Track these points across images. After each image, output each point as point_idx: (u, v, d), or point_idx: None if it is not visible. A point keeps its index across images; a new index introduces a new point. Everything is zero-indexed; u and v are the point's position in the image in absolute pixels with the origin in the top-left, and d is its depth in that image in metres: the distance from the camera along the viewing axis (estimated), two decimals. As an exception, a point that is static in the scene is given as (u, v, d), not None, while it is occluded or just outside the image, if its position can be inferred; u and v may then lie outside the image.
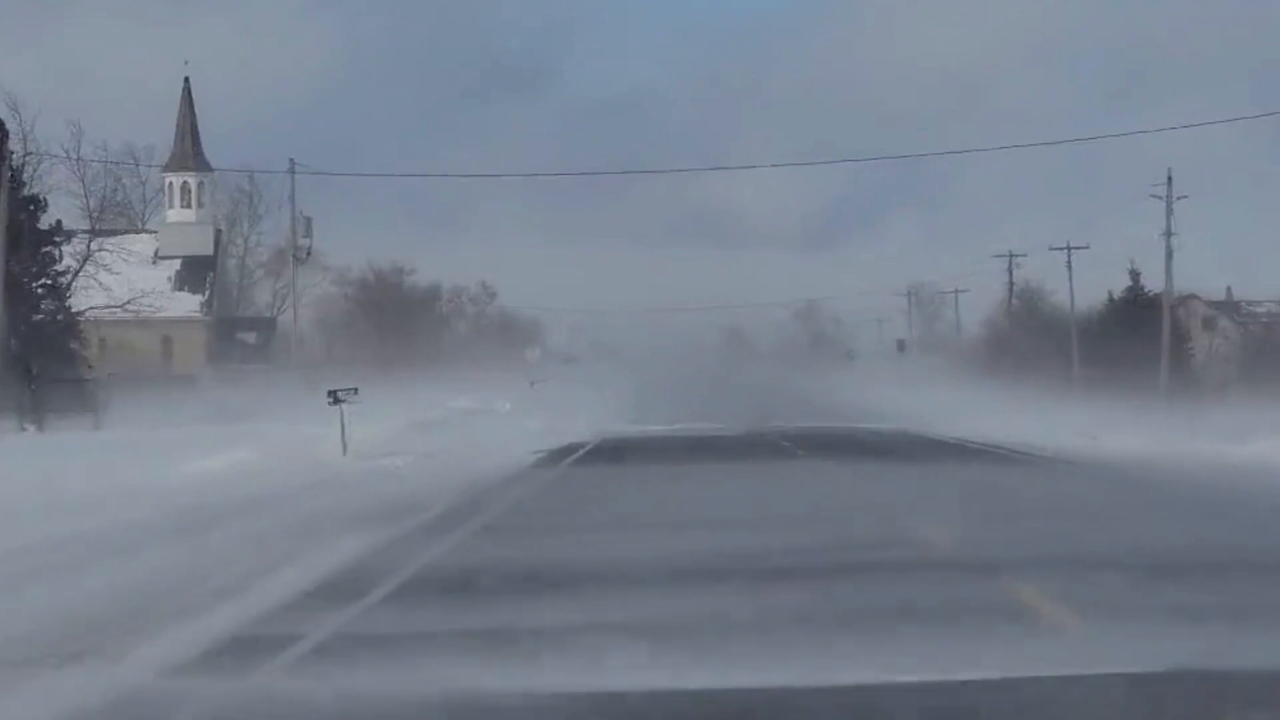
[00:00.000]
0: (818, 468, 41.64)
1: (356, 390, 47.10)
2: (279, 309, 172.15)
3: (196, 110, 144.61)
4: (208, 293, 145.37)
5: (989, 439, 55.82)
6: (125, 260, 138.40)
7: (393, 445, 50.08)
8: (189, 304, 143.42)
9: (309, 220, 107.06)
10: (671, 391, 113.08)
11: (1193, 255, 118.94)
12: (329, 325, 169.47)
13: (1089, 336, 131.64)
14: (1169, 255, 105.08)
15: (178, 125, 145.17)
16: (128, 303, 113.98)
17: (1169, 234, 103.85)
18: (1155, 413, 79.90)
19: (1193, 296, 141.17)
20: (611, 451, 51.24)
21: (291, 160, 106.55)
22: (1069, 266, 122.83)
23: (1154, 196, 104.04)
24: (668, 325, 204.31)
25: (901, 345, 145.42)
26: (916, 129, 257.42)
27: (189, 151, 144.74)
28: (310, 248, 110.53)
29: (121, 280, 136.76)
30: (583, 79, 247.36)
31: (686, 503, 31.46)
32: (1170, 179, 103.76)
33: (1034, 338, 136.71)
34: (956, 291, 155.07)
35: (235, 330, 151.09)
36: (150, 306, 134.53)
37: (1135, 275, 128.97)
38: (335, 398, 46.30)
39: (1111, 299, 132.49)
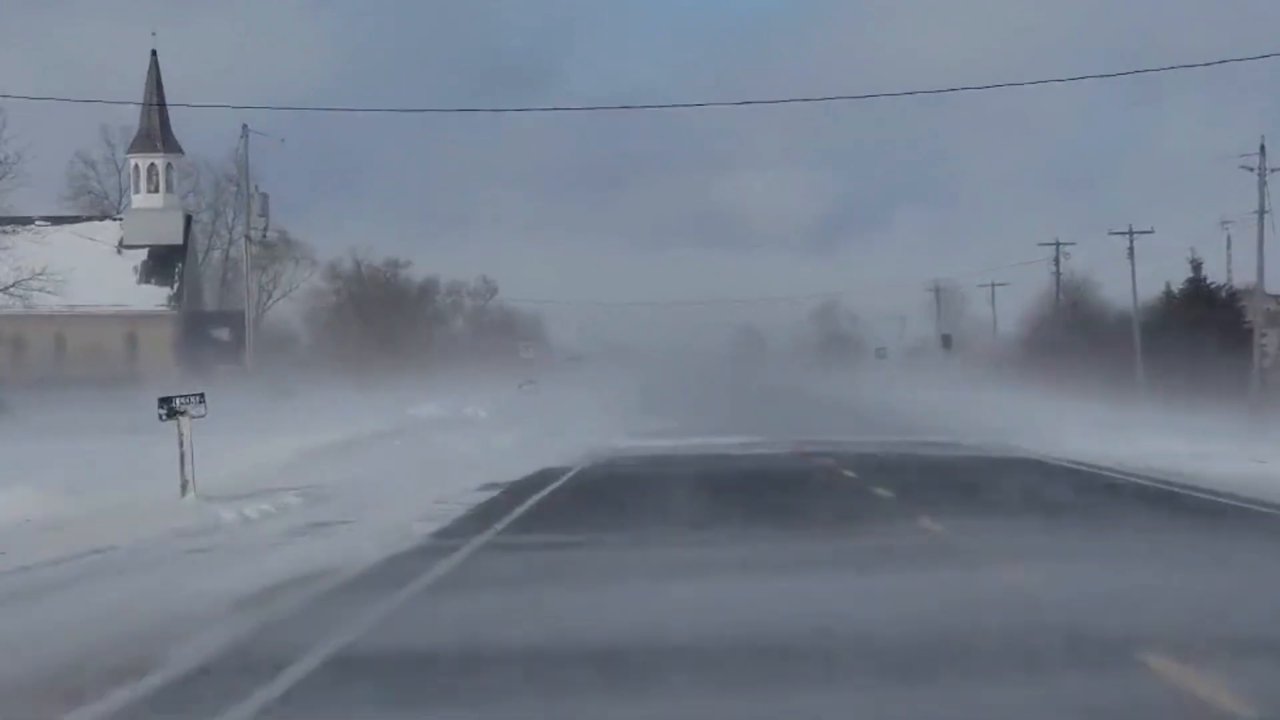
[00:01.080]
0: (967, 553, 21.28)
1: (202, 398, 30.01)
2: (265, 304, 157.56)
3: (165, 87, 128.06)
4: (176, 285, 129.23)
5: (1129, 465, 38.88)
6: (87, 250, 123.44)
7: (277, 479, 33.69)
8: (155, 297, 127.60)
9: (265, 197, 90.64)
10: (685, 394, 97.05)
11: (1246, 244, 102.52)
12: (318, 321, 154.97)
13: (1144, 334, 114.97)
14: (1260, 239, 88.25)
15: (144, 103, 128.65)
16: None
17: (1261, 211, 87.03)
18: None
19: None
20: (592, 494, 33.88)
21: (244, 126, 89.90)
22: (1131, 253, 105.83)
23: (1244, 168, 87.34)
24: (681, 324, 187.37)
25: (947, 341, 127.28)
26: (924, 122, 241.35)
27: (156, 131, 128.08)
28: (267, 226, 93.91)
29: (82, 272, 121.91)
30: (587, 78, 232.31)
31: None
32: (1263, 149, 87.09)
33: (1083, 335, 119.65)
34: (993, 285, 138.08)
35: (207, 326, 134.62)
36: (93, 303, 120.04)
37: (1196, 266, 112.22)
38: (170, 409, 29.31)
39: (1170, 292, 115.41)
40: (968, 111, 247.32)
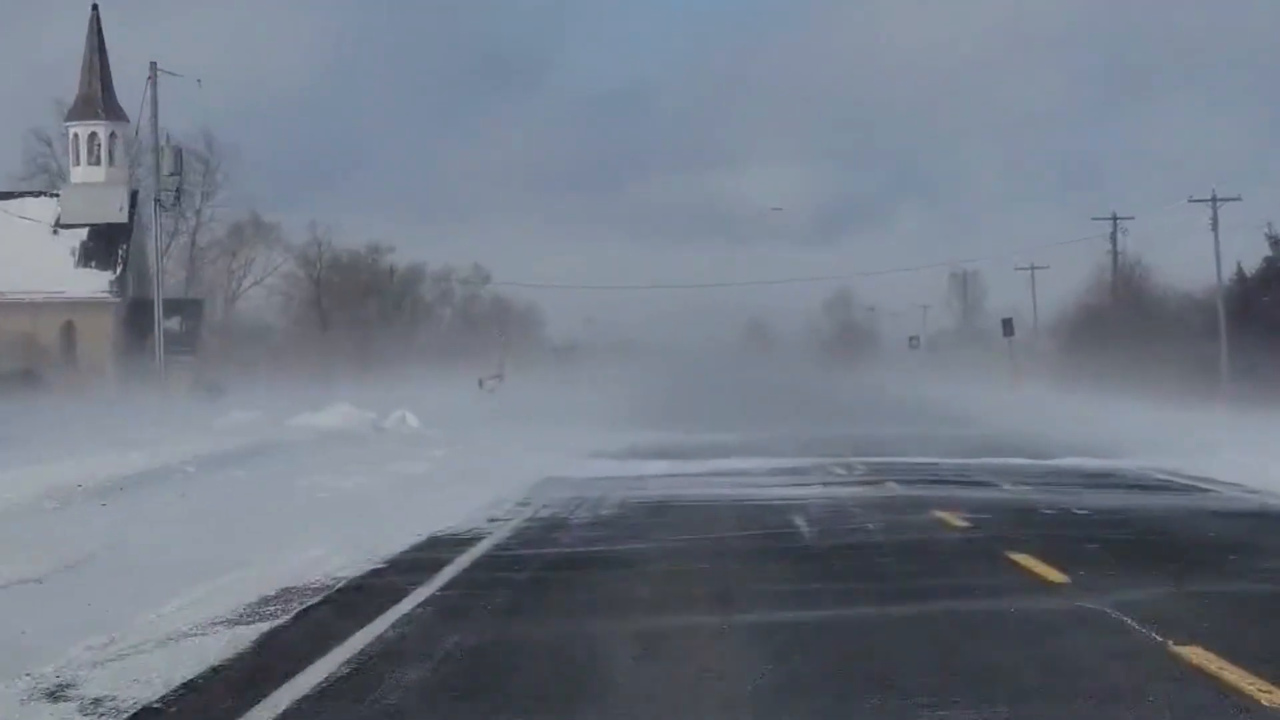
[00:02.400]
0: None
1: None
2: (234, 292, 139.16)
3: (108, 48, 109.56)
4: (120, 268, 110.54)
5: None
6: (17, 229, 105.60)
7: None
8: (96, 282, 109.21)
9: (178, 151, 71.90)
10: (691, 394, 78.82)
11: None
12: (289, 311, 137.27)
13: (1209, 322, 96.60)
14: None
15: (84, 65, 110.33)
16: None
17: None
18: None
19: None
20: (480, 630, 13.07)
21: (153, 64, 71.02)
22: (1214, 225, 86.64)
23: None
24: (686, 318, 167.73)
25: (1008, 326, 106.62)
26: (935, 108, 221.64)
27: (97, 96, 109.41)
28: (180, 186, 75.29)
29: (11, 254, 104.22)
30: (583, 71, 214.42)
31: None
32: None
33: (1144, 323, 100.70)
34: (1033, 268, 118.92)
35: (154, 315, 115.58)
36: (24, 290, 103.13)
37: (1276, 243, 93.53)
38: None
39: (1242, 274, 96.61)
40: (981, 96, 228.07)
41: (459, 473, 32.13)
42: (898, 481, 29.37)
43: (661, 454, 39.90)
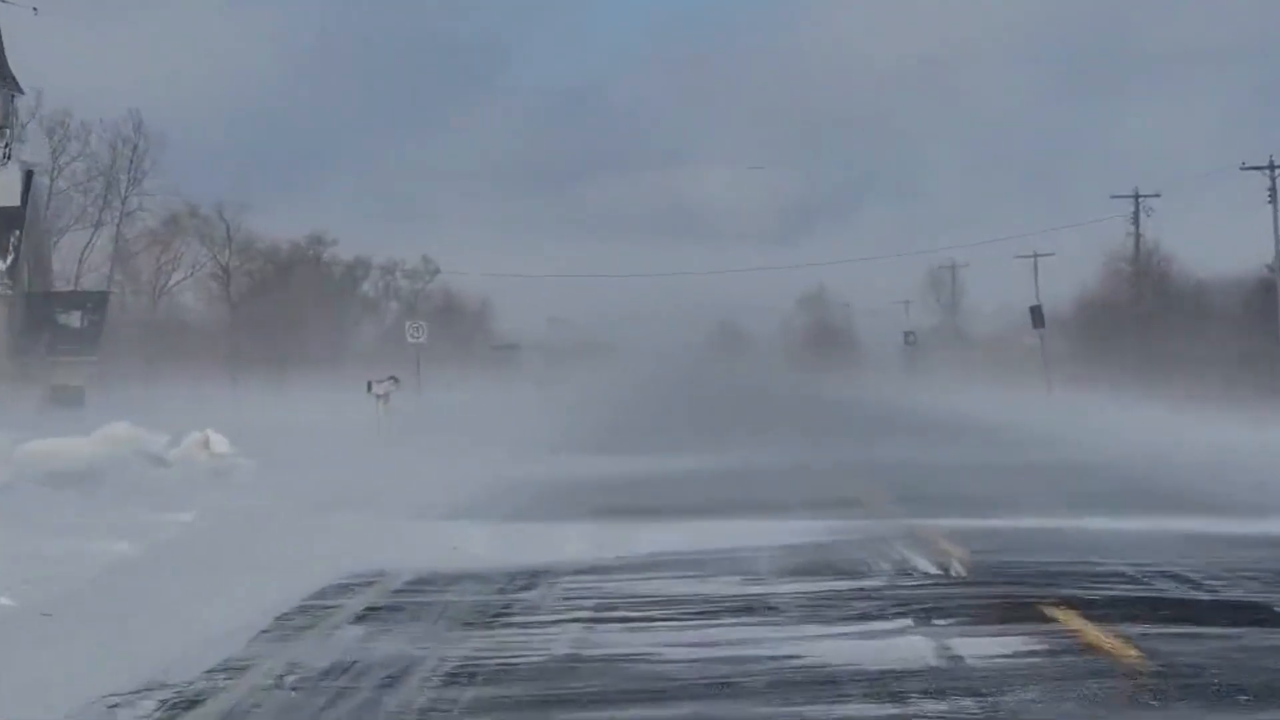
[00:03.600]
0: None
1: None
2: (163, 286, 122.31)
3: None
4: (11, 257, 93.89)
5: None
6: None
7: None
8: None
9: (9, 99, 55.40)
10: (654, 395, 62.82)
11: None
12: (214, 307, 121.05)
13: (1238, 318, 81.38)
14: None
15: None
16: None
17: None
18: None
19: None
20: None
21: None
22: (1273, 194, 70.44)
23: None
24: (651, 317, 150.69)
25: (1037, 316, 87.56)
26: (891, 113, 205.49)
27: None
28: (10, 145, 59.13)
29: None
30: (542, 66, 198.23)
31: None
32: None
33: (1171, 316, 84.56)
34: (1035, 256, 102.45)
35: (53, 310, 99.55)
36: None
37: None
38: None
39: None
40: (953, 87, 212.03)
41: (179, 566, 15.85)
42: (1090, 616, 12.87)
43: (586, 508, 23.32)
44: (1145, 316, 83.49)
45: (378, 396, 42.43)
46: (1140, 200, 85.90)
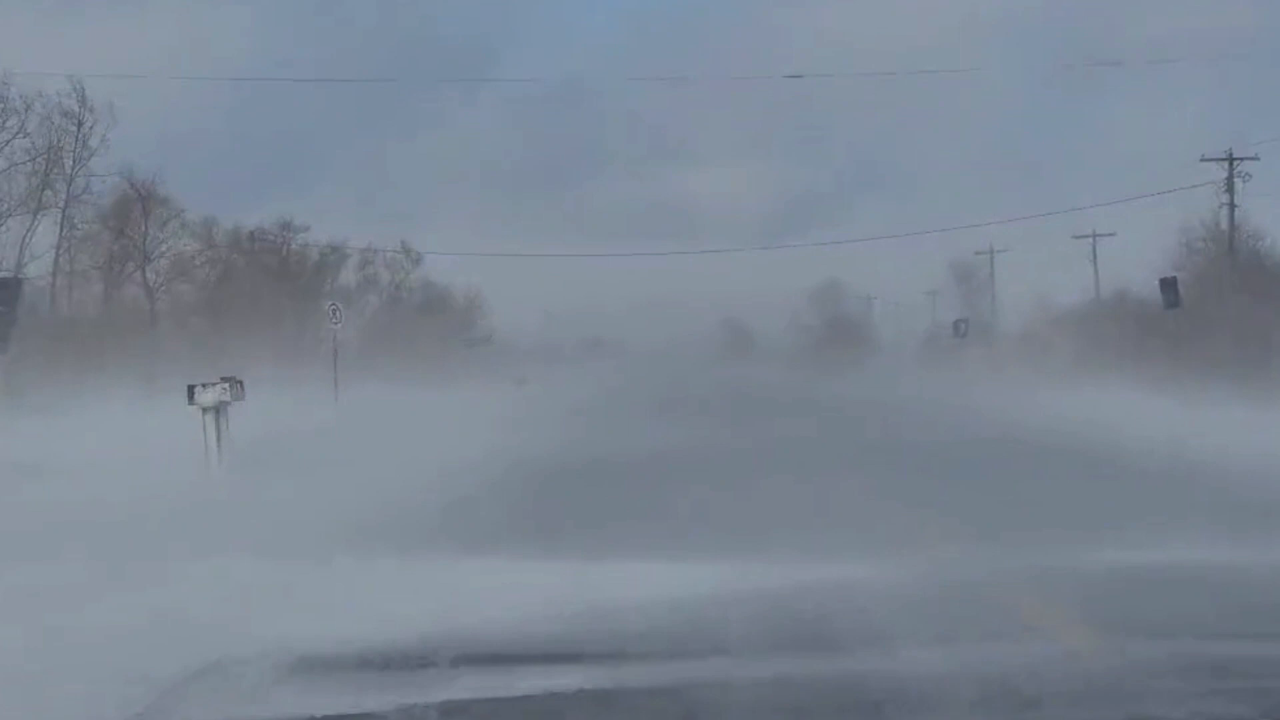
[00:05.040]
0: None
1: None
2: (119, 271, 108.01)
3: None
4: (-89, 240, 79.97)
5: None
6: None
7: None
8: (-122, 258, 79.06)
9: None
10: (651, 409, 47.50)
11: None
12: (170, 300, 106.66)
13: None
14: None
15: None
16: None
17: None
18: None
19: None
20: None
21: None
22: None
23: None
24: (650, 314, 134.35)
25: (1170, 293, 68.85)
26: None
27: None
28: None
29: None
30: (527, 66, 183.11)
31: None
32: None
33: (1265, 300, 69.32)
34: (1094, 235, 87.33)
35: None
36: None
37: None
38: None
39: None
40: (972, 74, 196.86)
41: None
42: None
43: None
44: (1244, 303, 67.97)
45: (204, 410, 26.98)
46: (1234, 164, 70.59)
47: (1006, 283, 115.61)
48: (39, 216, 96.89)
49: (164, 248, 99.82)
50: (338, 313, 54.68)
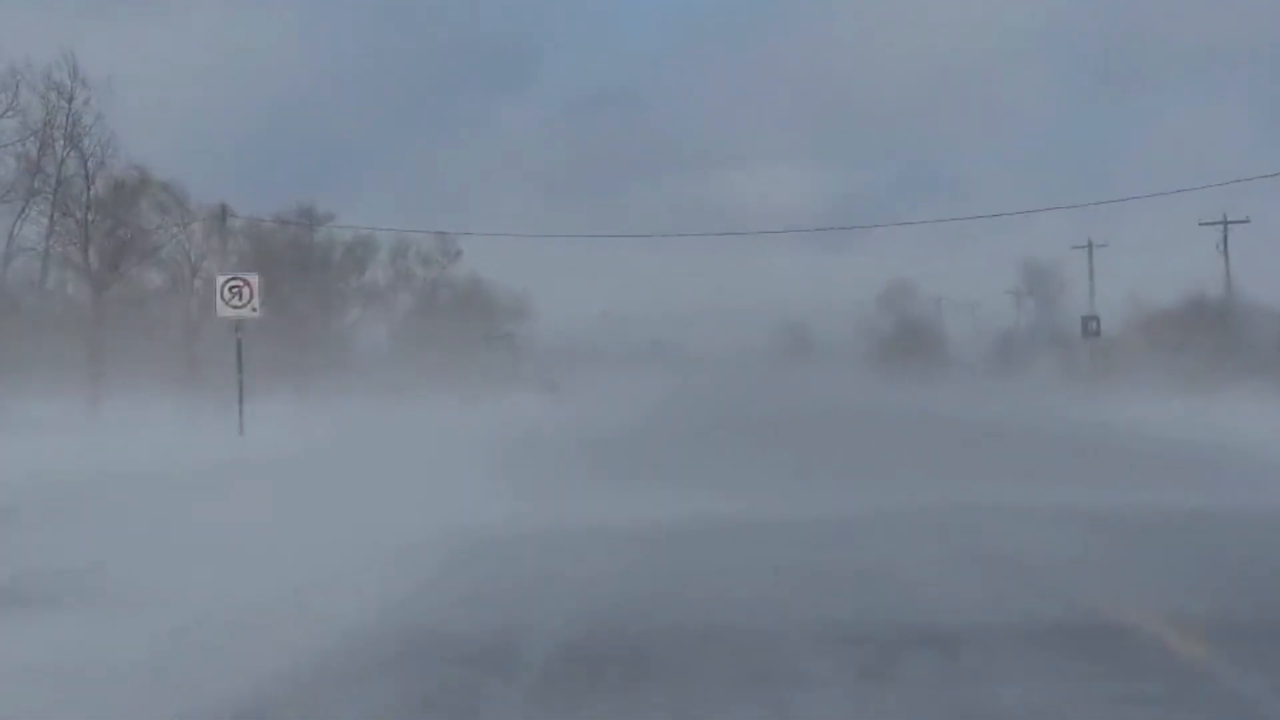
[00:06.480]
0: None
1: None
2: (113, 267, 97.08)
3: None
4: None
5: None
6: None
7: None
8: None
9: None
10: (706, 428, 35.51)
11: None
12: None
13: None
14: None
15: None
16: None
17: None
18: None
19: None
20: None
21: None
22: None
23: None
24: (711, 319, 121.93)
25: None
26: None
27: None
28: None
29: None
30: (569, 74, 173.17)
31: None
32: None
33: None
34: (1226, 222, 74.83)
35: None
36: None
37: None
38: None
39: None
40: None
41: None
42: None
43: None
44: None
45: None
46: None
47: (1104, 279, 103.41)
48: (29, 200, 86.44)
49: (161, 234, 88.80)
50: (244, 292, 39.88)
